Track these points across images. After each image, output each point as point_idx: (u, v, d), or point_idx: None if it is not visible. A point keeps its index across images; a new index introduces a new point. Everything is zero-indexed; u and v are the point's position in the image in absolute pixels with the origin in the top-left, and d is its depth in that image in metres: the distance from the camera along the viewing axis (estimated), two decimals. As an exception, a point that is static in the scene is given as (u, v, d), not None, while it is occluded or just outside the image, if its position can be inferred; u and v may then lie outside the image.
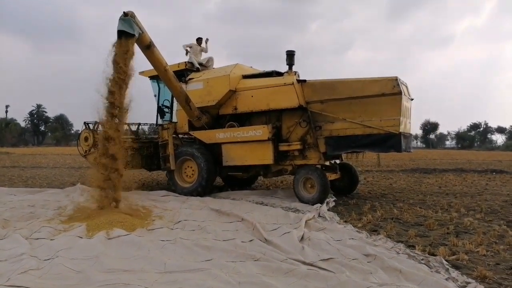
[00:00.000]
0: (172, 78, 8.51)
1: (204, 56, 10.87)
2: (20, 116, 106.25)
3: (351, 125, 8.01)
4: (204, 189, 9.42)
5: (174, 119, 10.49)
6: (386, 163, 20.85)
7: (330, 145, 8.26)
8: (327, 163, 8.96)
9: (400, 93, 7.55)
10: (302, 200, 8.26)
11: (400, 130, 7.60)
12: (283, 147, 8.75)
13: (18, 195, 9.48)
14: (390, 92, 7.58)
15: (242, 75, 9.52)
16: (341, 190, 9.65)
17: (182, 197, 9.24)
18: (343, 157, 9.85)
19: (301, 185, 8.35)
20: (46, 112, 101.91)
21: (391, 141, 7.63)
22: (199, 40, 10.81)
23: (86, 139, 10.06)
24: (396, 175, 15.09)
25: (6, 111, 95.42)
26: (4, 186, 11.79)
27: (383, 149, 7.87)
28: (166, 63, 8.21)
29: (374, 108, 7.75)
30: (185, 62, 10.24)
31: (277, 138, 8.90)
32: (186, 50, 10.59)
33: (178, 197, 9.18)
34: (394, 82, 7.57)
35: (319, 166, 8.77)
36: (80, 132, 10.51)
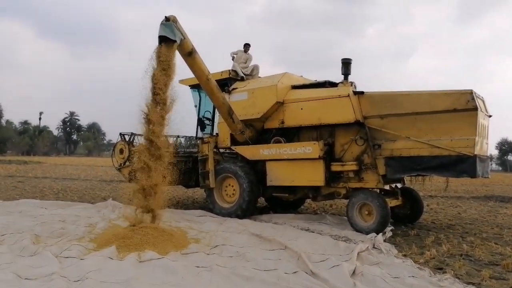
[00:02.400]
0: (215, 88, 8.71)
1: (250, 64, 11.05)
2: (53, 124, 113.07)
3: (416, 145, 7.82)
4: (244, 212, 9.49)
5: (215, 133, 10.68)
6: (454, 188, 20.03)
7: (391, 167, 8.10)
8: (387, 187, 8.76)
9: (475, 108, 7.28)
10: (355, 228, 8.13)
11: (476, 152, 7.30)
12: (336, 167, 8.67)
13: (49, 208, 10.00)
14: (464, 107, 7.33)
15: (291, 86, 9.58)
16: (402, 218, 9.39)
17: (220, 218, 9.36)
18: (405, 181, 9.58)
19: (357, 211, 8.21)
20: (79, 120, 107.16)
21: (464, 164, 7.36)
22: (246, 47, 11.01)
23: (121, 151, 10.45)
24: (465, 202, 14.43)
25: (40, 118, 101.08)
26: (36, 198, 12.48)
27: (454, 173, 7.60)
28: (208, 71, 8.43)
29: (443, 126, 7.54)
30: (229, 70, 10.46)
31: (329, 156, 8.85)
32: (233, 57, 10.80)
33: (215, 218, 9.31)
34: (469, 96, 7.31)
35: (377, 190, 8.61)
36: (115, 143, 10.95)
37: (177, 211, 9.94)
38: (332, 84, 9.26)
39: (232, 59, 10.75)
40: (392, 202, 8.53)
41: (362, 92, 8.47)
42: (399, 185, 9.20)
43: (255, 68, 10.93)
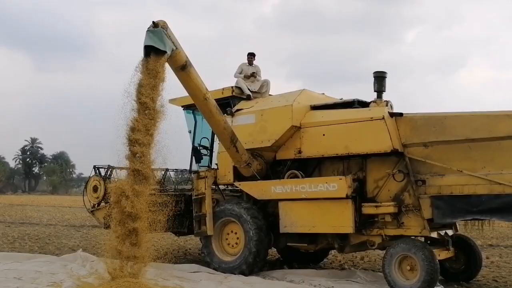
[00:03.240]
0: (214, 109, 8.72)
1: (258, 78, 11.10)
2: (10, 154, 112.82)
3: (470, 180, 7.77)
4: (251, 267, 9.37)
5: (215, 165, 10.66)
6: (520, 235, 19.71)
7: (439, 209, 8.01)
8: (434, 234, 8.63)
9: None
10: (394, 288, 7.97)
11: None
12: (368, 209, 8.59)
13: (2, 262, 9.89)
14: None
15: (310, 106, 9.59)
16: (454, 275, 9.23)
17: (220, 275, 9.26)
18: (457, 227, 9.45)
19: (395, 266, 8.08)
20: (42, 148, 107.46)
21: None
22: (250, 57, 11.07)
23: (95, 189, 10.44)
24: (537, 254, 14.17)
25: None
26: (-15, 249, 12.41)
27: (522, 217, 7.54)
28: (206, 89, 8.46)
29: (506, 156, 7.53)
30: (232, 87, 10.52)
31: (359, 195, 8.78)
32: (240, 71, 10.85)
33: (214, 275, 9.23)
34: None
35: (422, 239, 8.48)
36: (87, 179, 10.94)
37: (165, 266, 9.75)
38: (363, 104, 9.26)
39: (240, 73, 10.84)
40: (441, 254, 8.39)
41: (401, 114, 8.45)
42: (450, 232, 9.06)
43: (265, 84, 10.97)
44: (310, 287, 8.28)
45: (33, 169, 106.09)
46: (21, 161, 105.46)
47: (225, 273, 9.39)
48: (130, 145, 7.03)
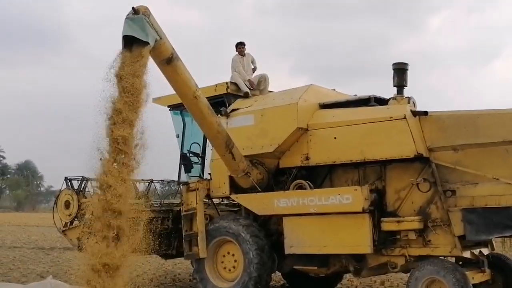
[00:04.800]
0: (206, 110, 8.70)
1: (255, 74, 11.13)
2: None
3: (509, 190, 7.78)
4: (252, 295, 9.37)
5: (207, 175, 10.66)
6: None
7: (472, 224, 8.00)
8: (467, 254, 8.63)
9: None
10: (421, 319, 7.96)
11: None
12: (389, 225, 8.57)
13: (-42, 293, 9.90)
14: None
15: (319, 104, 9.61)
16: (491, 300, 9.20)
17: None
18: (494, 244, 9.45)
19: (422, 292, 8.07)
20: (3, 157, 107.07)
21: None
22: (239, 47, 11.06)
23: (67, 204, 10.43)
24: None
25: None
26: None
27: None
28: (196, 85, 8.44)
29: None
30: (226, 83, 10.54)
31: (378, 209, 8.77)
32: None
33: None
34: None
35: (453, 260, 8.48)
36: (58, 192, 10.94)
37: (150, 295, 9.83)
38: (380, 101, 9.28)
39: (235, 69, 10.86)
40: (475, 277, 8.35)
41: (426, 112, 8.44)
42: (485, 251, 9.05)
43: (263, 79, 10.99)
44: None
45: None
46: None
47: (221, 303, 9.35)
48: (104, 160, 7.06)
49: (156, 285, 11.61)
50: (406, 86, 8.99)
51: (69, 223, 10.59)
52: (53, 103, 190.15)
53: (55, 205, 10.91)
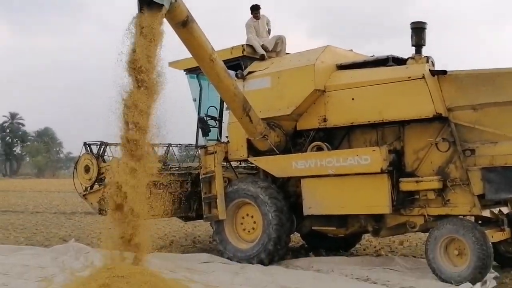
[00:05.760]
0: (222, 73, 8.71)
1: (271, 36, 11.05)
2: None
3: (529, 148, 7.74)
4: (271, 255, 9.47)
5: (225, 138, 10.73)
6: None
7: (492, 183, 7.99)
8: (487, 213, 8.64)
9: None
10: (440, 276, 8.03)
11: None
12: (407, 185, 8.60)
13: (-16, 256, 10.09)
14: None
15: (337, 65, 9.56)
16: (511, 259, 9.22)
17: (235, 265, 9.39)
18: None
19: (441, 250, 8.12)
20: (23, 125, 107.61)
21: None
22: (254, 11, 10.96)
23: (87, 169, 10.54)
24: None
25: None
26: (-36, 241, 12.63)
27: None
28: (212, 48, 8.42)
29: None
30: (242, 45, 10.48)
31: (397, 169, 8.78)
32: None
33: (228, 265, 9.35)
34: None
35: (472, 219, 8.49)
36: (77, 158, 11.05)
37: (171, 256, 9.95)
38: (398, 61, 9.20)
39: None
40: (495, 236, 8.36)
41: (445, 72, 8.37)
42: (505, 210, 9.05)
43: (280, 40, 10.91)
44: (341, 277, 8.34)
45: (14, 149, 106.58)
46: (0, 140, 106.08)
47: (241, 262, 9.50)
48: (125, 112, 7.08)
49: (177, 247, 11.75)
50: (424, 46, 8.89)
51: (89, 187, 10.70)
52: (71, 69, 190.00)
53: (75, 170, 11.02)
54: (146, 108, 7.06)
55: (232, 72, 9.56)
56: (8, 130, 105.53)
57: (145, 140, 7.16)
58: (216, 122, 11.23)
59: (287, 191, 9.87)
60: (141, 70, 6.97)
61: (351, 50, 10.44)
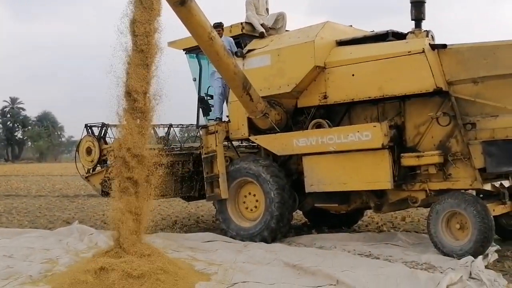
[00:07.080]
0: (221, 51, 8.68)
1: (270, 13, 11.02)
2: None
3: (529, 121, 7.75)
4: (274, 233, 9.54)
5: (226, 117, 10.76)
6: None
7: (493, 156, 8.01)
8: (488, 186, 8.68)
9: None
10: (442, 250, 8.08)
11: None
12: (409, 161, 8.63)
13: (-11, 239, 10.19)
14: None
15: (336, 41, 9.53)
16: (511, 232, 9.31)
17: (238, 243, 9.46)
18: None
19: (443, 225, 8.16)
20: (24, 109, 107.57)
21: None
22: None
23: (89, 151, 10.60)
24: None
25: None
26: (-31, 225, 12.74)
27: None
28: (211, 26, 8.42)
29: None
30: (241, 23, 10.48)
31: (398, 145, 8.82)
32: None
33: (231, 244, 9.41)
34: None
35: (473, 193, 8.51)
36: (79, 140, 11.10)
37: (174, 236, 10.03)
38: (398, 36, 9.17)
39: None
40: (496, 209, 8.39)
41: (444, 45, 8.35)
42: (506, 183, 9.08)
43: (280, 17, 10.86)
44: (343, 253, 8.38)
45: (16, 134, 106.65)
46: (1, 126, 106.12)
47: (244, 241, 9.56)
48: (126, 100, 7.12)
49: (180, 227, 11.85)
50: (424, 20, 8.85)
51: (91, 169, 10.76)
52: (71, 53, 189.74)
53: (76, 152, 11.07)
54: (145, 72, 7.12)
55: None
56: (8, 115, 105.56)
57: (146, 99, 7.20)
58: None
59: (289, 169, 9.92)
60: (140, 33, 7.03)
61: (351, 25, 10.41)
